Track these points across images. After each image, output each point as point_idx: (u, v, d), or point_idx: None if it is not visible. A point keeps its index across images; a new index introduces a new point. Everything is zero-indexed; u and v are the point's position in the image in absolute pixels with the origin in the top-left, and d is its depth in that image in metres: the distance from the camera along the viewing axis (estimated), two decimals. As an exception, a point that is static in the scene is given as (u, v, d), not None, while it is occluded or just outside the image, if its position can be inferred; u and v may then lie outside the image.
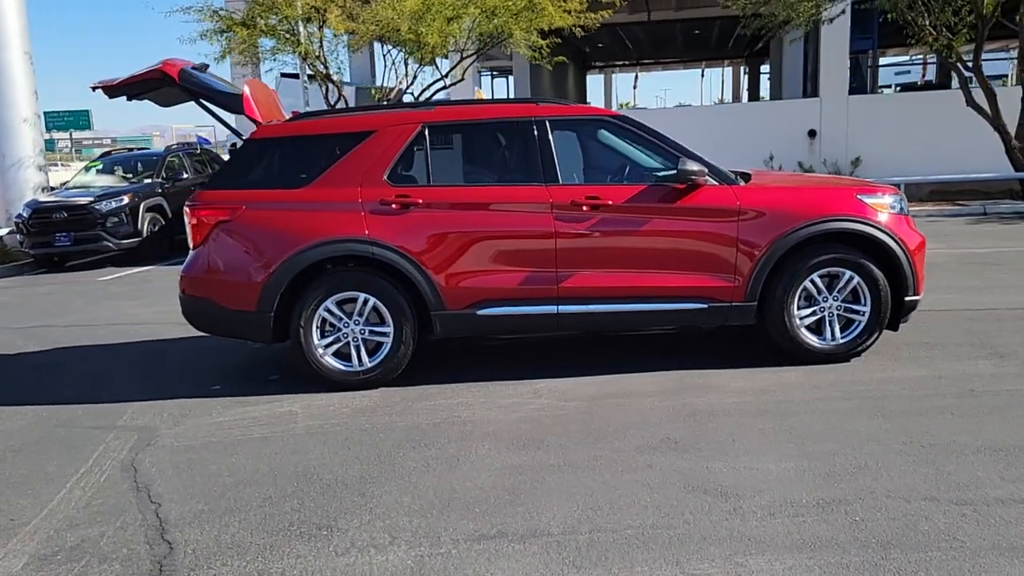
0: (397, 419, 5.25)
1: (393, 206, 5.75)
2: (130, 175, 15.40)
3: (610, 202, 5.77)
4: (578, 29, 15.43)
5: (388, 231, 5.72)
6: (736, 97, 50.59)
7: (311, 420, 5.31)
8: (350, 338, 5.85)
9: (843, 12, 17.58)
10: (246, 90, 6.00)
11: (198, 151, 16.02)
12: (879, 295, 5.88)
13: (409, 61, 17.12)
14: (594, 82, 52.90)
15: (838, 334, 5.97)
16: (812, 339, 5.95)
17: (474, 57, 16.84)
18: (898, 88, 36.88)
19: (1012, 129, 15.82)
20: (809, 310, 5.93)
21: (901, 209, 6.04)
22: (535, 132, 5.86)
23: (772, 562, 3.35)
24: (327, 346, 5.84)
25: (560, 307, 5.83)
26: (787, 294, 5.86)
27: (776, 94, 30.45)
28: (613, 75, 52.45)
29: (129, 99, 6.43)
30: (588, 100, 44.09)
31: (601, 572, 3.34)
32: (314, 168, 5.90)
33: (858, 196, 5.99)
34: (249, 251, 5.79)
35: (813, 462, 4.29)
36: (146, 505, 4.18)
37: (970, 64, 15.99)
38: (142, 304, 9.98)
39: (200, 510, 4.08)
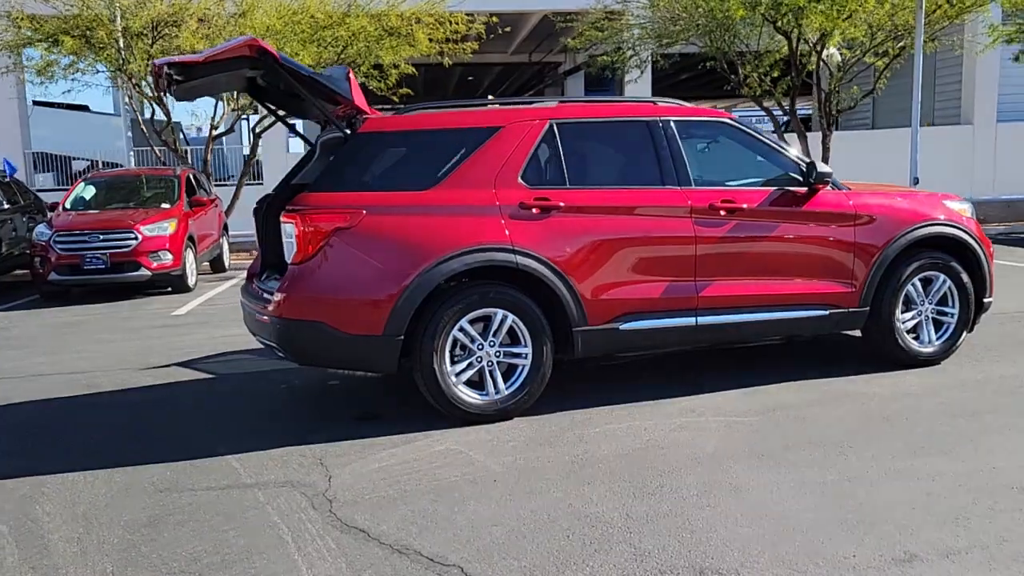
0: (590, 448, 4.60)
1: (534, 210, 5.11)
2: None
3: (744, 206, 5.53)
4: (446, 59, 15.01)
5: (530, 238, 5.06)
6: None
7: (488, 457, 4.52)
8: (484, 362, 5.09)
9: (641, 73, 18.23)
10: (351, 75, 5.08)
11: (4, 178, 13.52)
12: (966, 297, 6.09)
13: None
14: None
15: (934, 337, 6.11)
16: (914, 343, 6.03)
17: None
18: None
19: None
20: (910, 314, 6.01)
21: (974, 215, 6.33)
22: (664, 132, 5.49)
23: None
24: (459, 373, 5.03)
25: (699, 318, 5.46)
26: (895, 298, 5.90)
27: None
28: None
29: (181, 97, 5.27)
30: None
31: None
32: (440, 167, 5.11)
33: (944, 202, 6.21)
34: (375, 264, 4.86)
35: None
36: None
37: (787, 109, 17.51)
38: (29, 354, 8.12)
39: None
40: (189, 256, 11.56)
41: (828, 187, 5.76)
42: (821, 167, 5.60)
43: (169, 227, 11.23)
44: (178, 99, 6.13)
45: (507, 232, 5.01)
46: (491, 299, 5.01)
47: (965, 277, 6.08)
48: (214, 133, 15.26)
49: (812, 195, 5.70)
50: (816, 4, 12.94)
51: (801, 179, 5.71)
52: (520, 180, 5.14)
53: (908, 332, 6.01)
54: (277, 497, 4.09)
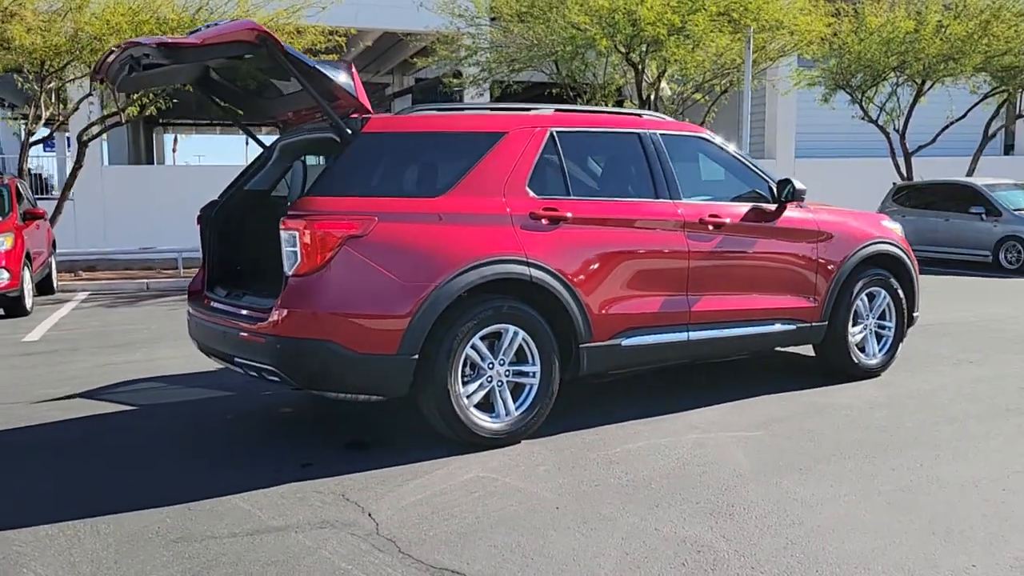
0: (627, 469, 4.39)
1: (543, 221, 4.85)
2: None
3: (727, 221, 5.56)
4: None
5: (542, 250, 4.80)
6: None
7: (529, 484, 4.19)
8: (494, 382, 4.75)
9: (481, 95, 18.31)
10: (354, 70, 4.59)
11: None
12: (902, 311, 6.45)
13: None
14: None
15: (877, 350, 6.41)
16: (861, 356, 6.29)
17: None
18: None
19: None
20: (857, 328, 6.28)
21: (903, 234, 6.73)
22: (653, 145, 5.43)
23: None
24: (470, 395, 4.67)
25: (691, 333, 5.41)
26: (848, 313, 6.14)
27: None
28: (176, 135, 48.88)
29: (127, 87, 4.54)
30: (156, 159, 40.75)
31: None
32: (450, 172, 4.74)
33: (882, 222, 6.56)
34: (390, 276, 4.40)
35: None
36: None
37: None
38: None
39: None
40: (27, 275, 10.20)
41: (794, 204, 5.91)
42: (797, 184, 5.73)
43: (6, 242, 9.86)
44: (122, 89, 5.36)
45: (520, 243, 4.73)
46: (504, 314, 4.69)
47: (901, 293, 6.43)
48: (31, 139, 13.69)
49: (781, 211, 5.82)
50: (676, 37, 13.47)
51: (772, 195, 5.82)
52: (527, 189, 4.88)
53: (855, 345, 6.27)
54: (326, 540, 3.57)
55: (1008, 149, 26.92)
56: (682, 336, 5.37)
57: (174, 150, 47.05)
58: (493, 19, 16.43)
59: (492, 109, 5.40)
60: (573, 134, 5.18)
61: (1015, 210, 14.31)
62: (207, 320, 5.04)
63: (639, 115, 5.64)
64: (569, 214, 4.93)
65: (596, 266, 4.99)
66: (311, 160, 5.74)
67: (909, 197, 15.76)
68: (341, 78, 4.51)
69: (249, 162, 5.76)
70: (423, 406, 4.62)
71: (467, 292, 4.55)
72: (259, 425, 5.41)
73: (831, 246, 6.01)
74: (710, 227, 5.46)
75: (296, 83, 5.00)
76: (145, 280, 13.45)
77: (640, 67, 15.45)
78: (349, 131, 4.55)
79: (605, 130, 5.39)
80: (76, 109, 14.09)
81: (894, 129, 19.03)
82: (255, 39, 4.24)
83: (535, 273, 4.73)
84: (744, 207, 5.71)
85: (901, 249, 6.45)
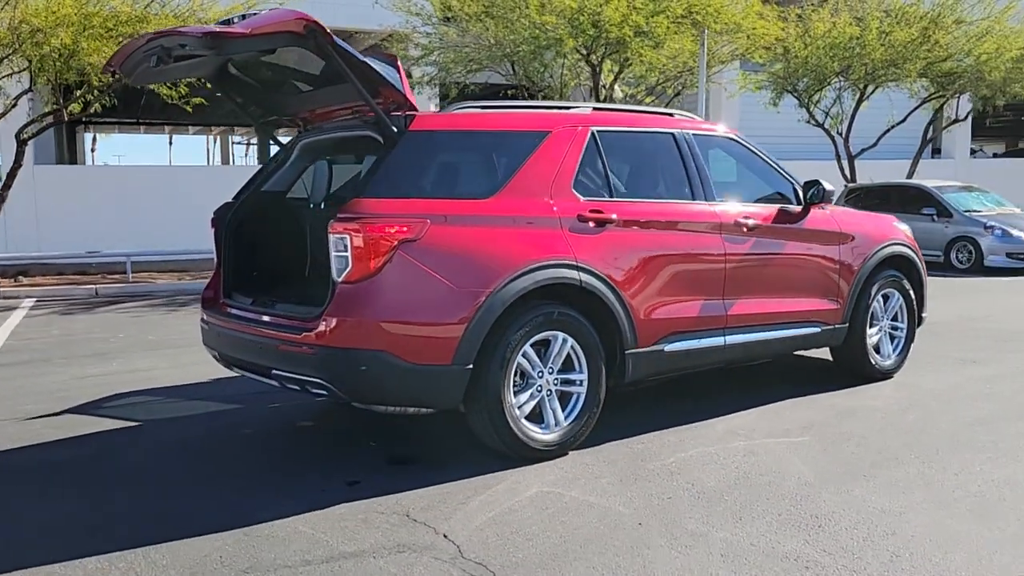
0: (690, 480, 4.24)
1: (591, 223, 4.67)
2: None
3: (759, 223, 5.47)
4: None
5: (590, 253, 4.62)
6: (226, 163, 49.35)
7: (598, 498, 4.00)
8: (543, 392, 4.56)
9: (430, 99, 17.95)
10: (399, 65, 4.33)
11: None
12: (912, 312, 6.48)
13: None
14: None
15: (891, 350, 6.42)
16: (877, 357, 6.29)
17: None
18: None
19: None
20: (874, 329, 6.27)
21: (912, 237, 6.76)
22: (688, 145, 5.31)
23: None
24: (521, 406, 4.46)
25: (727, 337, 5.30)
26: (867, 315, 6.13)
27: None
28: (95, 134, 47.04)
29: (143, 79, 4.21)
30: (78, 159, 39.12)
31: None
32: (498, 172, 4.53)
33: (894, 224, 6.57)
34: (444, 282, 4.15)
35: None
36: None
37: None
38: None
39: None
40: (-25, 282, 9.56)
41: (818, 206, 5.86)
42: (826, 185, 5.68)
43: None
44: (138, 82, 4.97)
45: (570, 246, 4.54)
46: (554, 321, 4.50)
47: (912, 294, 6.46)
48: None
49: (807, 213, 5.77)
50: (639, 39, 13.45)
51: (797, 197, 5.77)
52: (573, 190, 4.70)
53: (872, 347, 6.26)
54: (410, 566, 3.32)
55: (935, 152, 27.83)
56: (719, 340, 5.26)
57: (93, 149, 45.30)
58: (447, 19, 16.17)
59: (532, 107, 5.19)
60: (612, 133, 5.01)
61: (965, 211, 14.72)
62: (231, 329, 4.72)
63: (671, 114, 5.51)
64: (615, 216, 4.76)
65: (641, 270, 4.84)
66: (338, 160, 5.44)
67: (860, 198, 16.08)
68: (389, 73, 4.26)
69: (256, 163, 5.42)
70: (474, 418, 4.39)
71: (520, 298, 4.34)
72: (282, 440, 5.09)
73: (852, 248, 5.99)
74: (744, 229, 5.37)
75: (319, 79, 4.76)
76: (93, 286, 12.79)
77: (598, 69, 15.41)
78: (395, 129, 4.30)
79: (642, 130, 5.24)
80: (14, 105, 13.32)
81: (838, 132, 19.44)
82: (303, 30, 3.94)
83: (584, 278, 4.54)
84: (773, 209, 5.64)
85: (912, 251, 6.48)
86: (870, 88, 18.62)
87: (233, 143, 47.61)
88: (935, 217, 14.75)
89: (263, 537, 3.59)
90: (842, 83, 18.76)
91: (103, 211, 16.72)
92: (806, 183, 5.76)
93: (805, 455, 4.62)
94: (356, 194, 4.17)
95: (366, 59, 4.17)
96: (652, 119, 5.40)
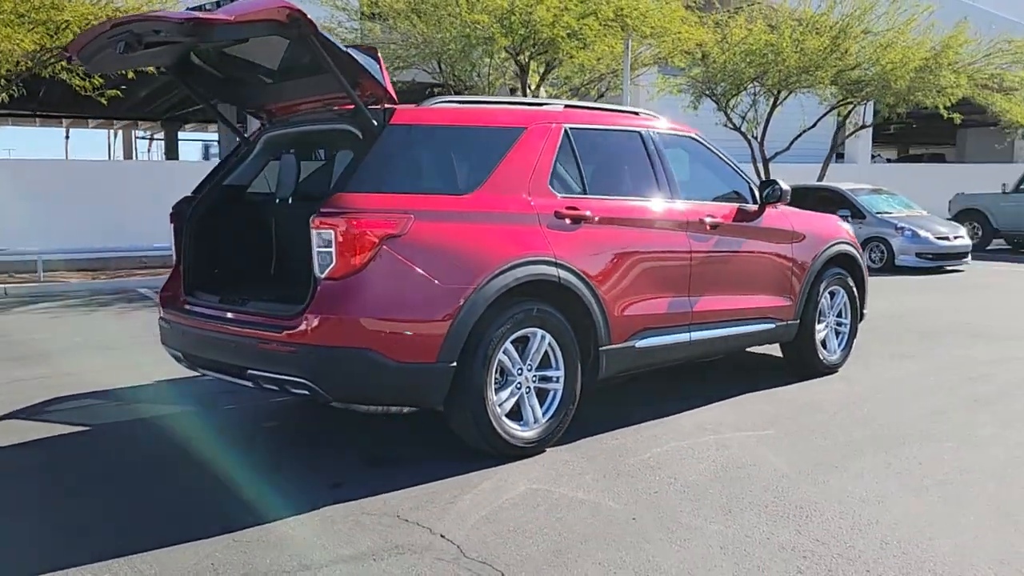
0: (672, 474, 4.28)
1: (567, 221, 4.67)
2: None
3: (720, 221, 5.57)
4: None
5: (567, 250, 4.61)
6: (129, 158, 47.64)
7: (585, 494, 4.01)
8: (523, 389, 4.53)
9: None
10: (379, 56, 4.22)
11: None
12: (855, 309, 6.72)
13: None
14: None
15: (836, 346, 6.63)
16: (824, 352, 6.49)
17: None
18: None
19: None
20: (821, 326, 6.47)
21: (855, 236, 6.99)
22: (654, 144, 5.37)
23: None
24: (502, 403, 4.42)
25: (692, 333, 5.38)
26: (815, 311, 6.32)
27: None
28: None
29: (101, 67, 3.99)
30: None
31: None
32: (479, 168, 4.47)
33: (838, 224, 6.79)
34: (428, 279, 4.08)
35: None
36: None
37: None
38: None
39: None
40: None
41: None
42: (783, 184, 5.82)
43: None
44: (97, 70, 4.72)
45: (548, 243, 4.53)
46: (534, 317, 4.48)
47: (855, 291, 6.68)
48: None
49: (762, 212, 5.91)
50: (571, 40, 13.55)
51: (754, 196, 5.90)
52: (549, 187, 4.69)
53: (820, 343, 6.45)
54: (414, 567, 3.25)
55: (839, 157, 28.92)
56: (685, 337, 5.33)
57: (-20, 143, 43.13)
58: (373, 15, 15.96)
59: (506, 103, 5.16)
60: (584, 131, 5.03)
61: (877, 213, 15.33)
62: (197, 328, 4.54)
63: (636, 112, 5.56)
64: (589, 213, 4.78)
65: (615, 267, 4.86)
66: (306, 155, 5.29)
67: (778, 201, 16.52)
68: (371, 65, 4.16)
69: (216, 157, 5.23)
70: (455, 416, 4.34)
71: (501, 295, 4.31)
72: (250, 443, 4.91)
73: (804, 246, 6.16)
74: (707, 228, 5.46)
75: (282, 71, 4.64)
76: (2, 285, 12.14)
77: (526, 68, 15.45)
78: (375, 123, 4.21)
79: (611, 128, 5.27)
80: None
81: (753, 136, 20.00)
82: (285, 19, 3.81)
83: (563, 274, 4.54)
84: (732, 208, 5.75)
85: (856, 249, 6.70)
86: (784, 94, 19.22)
87: (136, 138, 46.22)
88: (849, 218, 15.23)
89: (254, 542, 3.46)
90: (757, 88, 19.31)
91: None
92: (762, 182, 5.90)
93: (775, 448, 4.72)
94: (338, 189, 4.05)
95: (347, 50, 4.06)
96: (620, 117, 5.43)
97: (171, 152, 41.02)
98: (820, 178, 20.45)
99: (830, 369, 6.50)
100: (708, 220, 5.45)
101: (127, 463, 4.53)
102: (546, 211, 4.59)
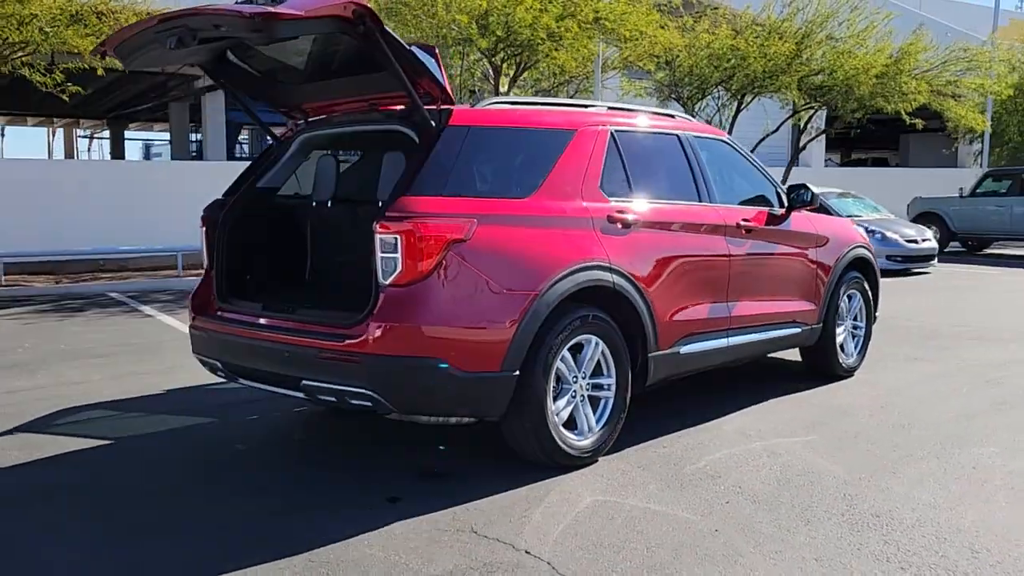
0: (736, 485, 4.21)
1: (618, 225, 4.57)
2: None
3: (754, 225, 5.54)
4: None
5: (620, 255, 4.51)
6: (70, 157, 46.30)
7: (657, 505, 3.91)
8: (578, 397, 4.42)
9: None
10: (438, 55, 4.06)
11: None
12: (870, 312, 6.75)
13: None
14: None
15: (853, 349, 6.65)
16: (843, 356, 6.50)
17: None
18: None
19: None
20: (841, 328, 6.48)
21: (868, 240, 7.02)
22: (691, 147, 5.30)
23: None
24: (559, 412, 4.31)
25: (729, 339, 5.33)
26: (836, 315, 6.33)
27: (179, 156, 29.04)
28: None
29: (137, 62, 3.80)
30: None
31: None
32: (535, 171, 4.35)
33: (854, 228, 6.81)
34: (493, 285, 3.94)
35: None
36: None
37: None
38: None
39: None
40: None
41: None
42: (812, 188, 5.81)
43: None
44: (133, 67, 4.45)
45: (603, 248, 4.43)
46: (589, 324, 4.37)
47: (870, 294, 6.71)
48: None
49: (789, 215, 5.89)
50: (550, 41, 13.49)
51: (781, 200, 5.88)
52: (600, 190, 4.59)
53: (839, 346, 6.45)
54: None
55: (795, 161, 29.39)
56: (724, 342, 5.28)
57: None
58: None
59: (555, 104, 5.04)
60: (627, 133, 4.94)
61: (847, 216, 15.52)
62: (240, 336, 4.33)
63: (671, 115, 5.49)
64: (639, 218, 4.69)
65: (662, 272, 4.78)
66: (348, 156, 5.10)
67: (748, 204, 16.67)
68: (431, 63, 4.01)
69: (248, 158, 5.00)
70: (514, 426, 4.20)
71: (561, 301, 4.19)
72: (288, 455, 4.71)
73: (826, 250, 6.16)
74: (743, 231, 5.41)
75: (322, 70, 4.47)
76: (-35, 290, 11.62)
77: (499, 70, 15.35)
78: (434, 124, 4.06)
79: (651, 131, 5.18)
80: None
81: (719, 140, 20.15)
82: (352, 15, 3.65)
83: (617, 280, 4.45)
84: (763, 211, 5.72)
85: (871, 253, 6.74)
86: (748, 98, 19.42)
87: (78, 136, 45.02)
88: (821, 222, 15.48)
89: (333, 563, 3.29)
90: (722, 92, 19.47)
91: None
92: (790, 187, 5.88)
93: (826, 454, 4.68)
94: (399, 192, 3.89)
95: (411, 48, 3.91)
96: (658, 120, 5.35)
97: (116, 151, 40.04)
98: (783, 182, 20.73)
99: (848, 372, 6.51)
100: (743, 224, 5.41)
101: (167, 478, 4.30)
102: (599, 215, 4.49)
